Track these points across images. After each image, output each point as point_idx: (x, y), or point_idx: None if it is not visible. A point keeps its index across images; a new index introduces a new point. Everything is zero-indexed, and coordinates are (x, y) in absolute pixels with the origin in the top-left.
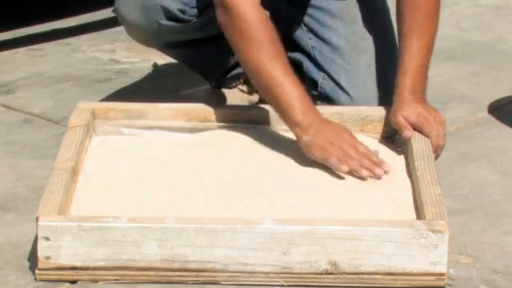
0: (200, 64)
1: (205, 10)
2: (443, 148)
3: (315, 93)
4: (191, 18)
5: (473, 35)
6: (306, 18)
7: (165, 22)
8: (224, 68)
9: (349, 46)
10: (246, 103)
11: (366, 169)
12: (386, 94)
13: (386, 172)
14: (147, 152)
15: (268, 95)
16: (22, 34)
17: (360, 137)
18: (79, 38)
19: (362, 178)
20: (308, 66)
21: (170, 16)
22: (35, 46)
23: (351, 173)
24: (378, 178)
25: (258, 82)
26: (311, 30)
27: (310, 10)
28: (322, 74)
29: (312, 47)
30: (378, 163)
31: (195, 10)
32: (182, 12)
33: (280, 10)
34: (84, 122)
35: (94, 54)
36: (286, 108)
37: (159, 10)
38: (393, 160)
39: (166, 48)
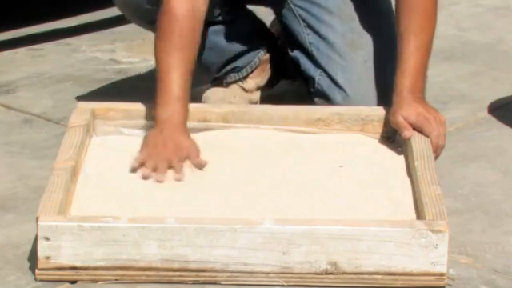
0: None
1: None
2: (443, 148)
3: (312, 90)
4: None
5: (473, 35)
6: (304, 14)
7: None
8: (219, 61)
9: (345, 43)
10: (245, 102)
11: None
12: (385, 91)
13: (176, 177)
14: None
15: (156, 82)
16: (22, 34)
17: (360, 137)
18: (79, 38)
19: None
20: (305, 63)
21: None
22: (35, 46)
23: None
24: (158, 180)
25: (156, 68)
26: (309, 26)
27: (308, 6)
28: (318, 71)
29: (310, 43)
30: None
31: None
32: None
33: (281, 6)
34: (84, 122)
35: (94, 54)
36: (157, 100)
37: None
38: (393, 160)
39: (155, 25)
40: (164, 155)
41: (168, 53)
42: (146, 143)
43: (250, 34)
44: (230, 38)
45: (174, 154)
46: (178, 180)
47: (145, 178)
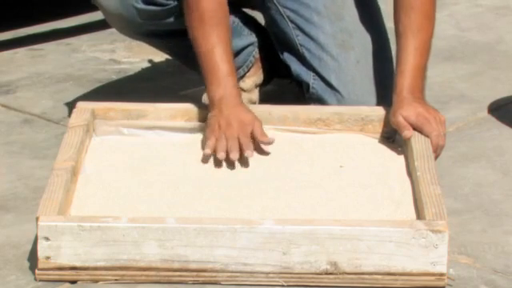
0: (187, 55)
1: None
2: (443, 148)
3: (307, 95)
4: (168, 1)
5: (473, 35)
6: (293, 15)
7: (141, 5)
8: None
9: (336, 44)
10: (245, 102)
11: (225, 152)
12: (380, 90)
13: (246, 154)
14: (147, 152)
15: (202, 65)
16: (22, 34)
17: (360, 137)
18: (79, 37)
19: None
20: (296, 68)
21: (146, 0)
22: (35, 46)
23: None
24: (232, 159)
25: (198, 52)
26: (298, 28)
27: (296, 7)
28: (311, 74)
29: (300, 45)
30: (243, 149)
31: None
32: None
33: (269, 8)
34: (84, 122)
35: (94, 54)
36: (207, 82)
37: None
38: (393, 160)
39: (148, 37)
40: (231, 134)
41: (205, 34)
42: (210, 127)
43: (242, 30)
44: None
45: (240, 131)
46: (249, 156)
47: (220, 160)
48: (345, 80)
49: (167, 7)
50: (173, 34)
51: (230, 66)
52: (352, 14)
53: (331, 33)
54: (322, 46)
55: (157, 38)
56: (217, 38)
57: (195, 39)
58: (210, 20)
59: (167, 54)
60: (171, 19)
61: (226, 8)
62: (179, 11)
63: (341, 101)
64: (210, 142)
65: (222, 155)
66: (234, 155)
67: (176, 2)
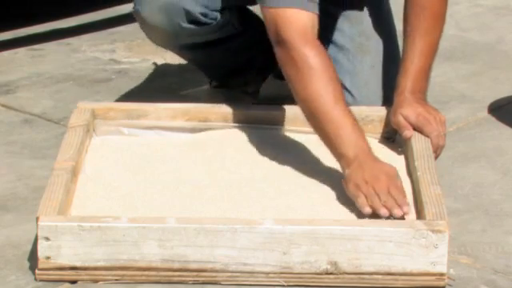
0: (208, 64)
1: (223, 11)
2: (443, 148)
3: None
4: (212, 21)
5: (473, 35)
6: None
7: (186, 24)
8: (230, 68)
9: (354, 47)
10: (246, 103)
11: (386, 208)
12: (390, 95)
13: (404, 213)
14: (147, 152)
15: (317, 127)
16: (22, 34)
17: None
18: (79, 37)
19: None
20: None
21: (191, 19)
22: (35, 46)
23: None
24: (396, 217)
25: (312, 115)
26: None
27: None
28: None
29: None
30: (401, 205)
31: (216, 14)
32: (204, 15)
33: None
34: (84, 122)
35: (94, 54)
36: (333, 139)
37: (182, 13)
38: (393, 160)
39: (181, 50)
40: (381, 189)
41: (319, 91)
42: (354, 182)
43: (260, 41)
44: (240, 48)
45: (391, 185)
46: (407, 213)
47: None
48: (359, 83)
49: (209, 26)
50: (202, 45)
51: (352, 118)
52: (369, 18)
53: (349, 35)
54: (340, 48)
55: (188, 50)
56: (332, 93)
57: (309, 96)
58: (323, 76)
59: (193, 64)
60: (210, 36)
61: (329, 60)
62: (217, 28)
63: (352, 103)
64: (361, 200)
65: (384, 212)
66: (398, 212)
67: (216, 21)
